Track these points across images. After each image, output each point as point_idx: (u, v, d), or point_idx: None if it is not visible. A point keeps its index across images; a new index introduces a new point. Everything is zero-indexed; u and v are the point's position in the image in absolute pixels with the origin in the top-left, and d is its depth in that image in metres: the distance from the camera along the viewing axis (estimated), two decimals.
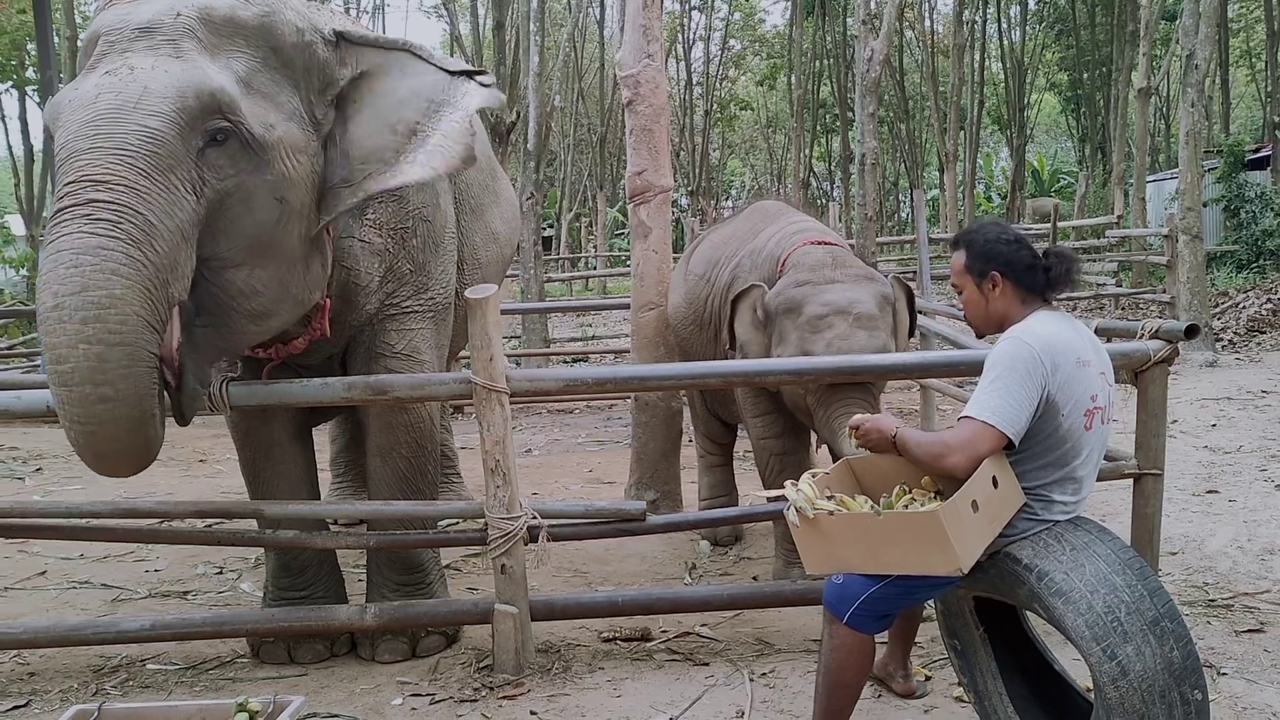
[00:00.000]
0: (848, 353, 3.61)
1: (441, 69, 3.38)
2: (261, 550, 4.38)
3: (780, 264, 4.09)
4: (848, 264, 3.96)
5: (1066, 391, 2.46)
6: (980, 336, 2.91)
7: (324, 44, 3.20)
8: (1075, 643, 2.33)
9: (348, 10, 23.94)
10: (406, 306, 3.72)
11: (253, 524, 3.70)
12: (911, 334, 4.15)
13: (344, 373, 3.75)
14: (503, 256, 4.76)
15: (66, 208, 2.62)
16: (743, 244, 4.56)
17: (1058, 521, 2.53)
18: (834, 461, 3.14)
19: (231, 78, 2.92)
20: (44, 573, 4.75)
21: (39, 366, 10.95)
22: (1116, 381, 3.15)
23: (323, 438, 5.95)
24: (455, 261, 4.01)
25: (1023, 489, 2.50)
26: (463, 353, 6.92)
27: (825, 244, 4.14)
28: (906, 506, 2.50)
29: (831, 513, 2.49)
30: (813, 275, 3.87)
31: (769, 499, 2.93)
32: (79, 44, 3.19)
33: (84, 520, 3.72)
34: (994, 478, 2.40)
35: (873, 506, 2.52)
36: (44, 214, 20.77)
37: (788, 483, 2.60)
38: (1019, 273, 2.62)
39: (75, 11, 18.54)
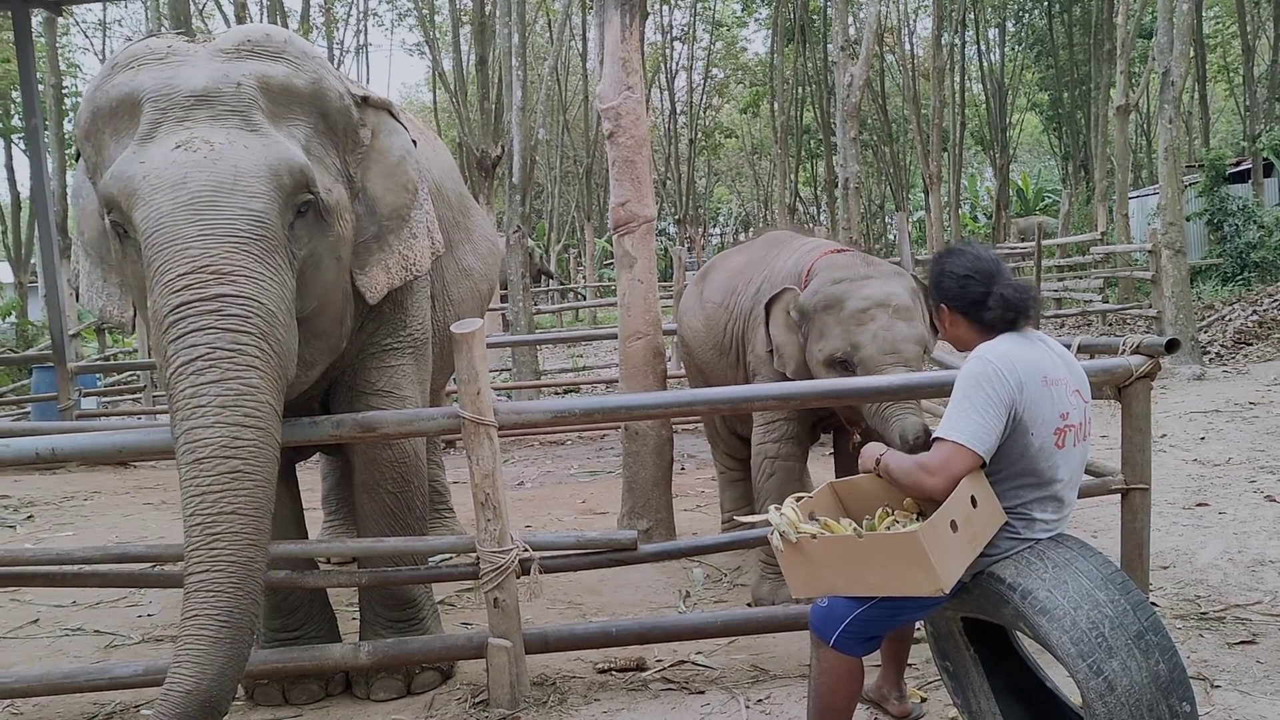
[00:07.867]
0: (892, 342, 3.74)
1: (405, 126, 3.56)
2: None
3: (805, 275, 4.22)
4: (875, 263, 4.14)
5: (1034, 409, 2.49)
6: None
7: (355, 105, 3.31)
8: (1061, 660, 2.34)
9: (331, 52, 24.09)
10: (386, 344, 3.76)
11: None
12: None
13: (324, 412, 3.76)
14: (477, 292, 4.79)
15: (192, 302, 2.64)
16: (759, 270, 4.70)
17: (1040, 539, 2.54)
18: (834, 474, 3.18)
19: (301, 149, 3.00)
20: (36, 621, 4.73)
21: (29, 414, 10.95)
22: (1102, 397, 3.17)
23: (315, 476, 5.96)
24: (429, 297, 4.05)
25: (1004, 508, 2.52)
26: (451, 386, 6.97)
27: (843, 251, 4.36)
28: (889, 528, 2.52)
29: (814, 536, 2.51)
30: (847, 274, 4.01)
31: (753, 524, 2.95)
32: (90, 112, 3.03)
33: (76, 567, 3.71)
34: (972, 497, 2.43)
35: (855, 529, 2.54)
36: (31, 260, 20.73)
37: (771, 506, 2.63)
38: (965, 308, 2.65)
39: (59, 59, 18.61)
